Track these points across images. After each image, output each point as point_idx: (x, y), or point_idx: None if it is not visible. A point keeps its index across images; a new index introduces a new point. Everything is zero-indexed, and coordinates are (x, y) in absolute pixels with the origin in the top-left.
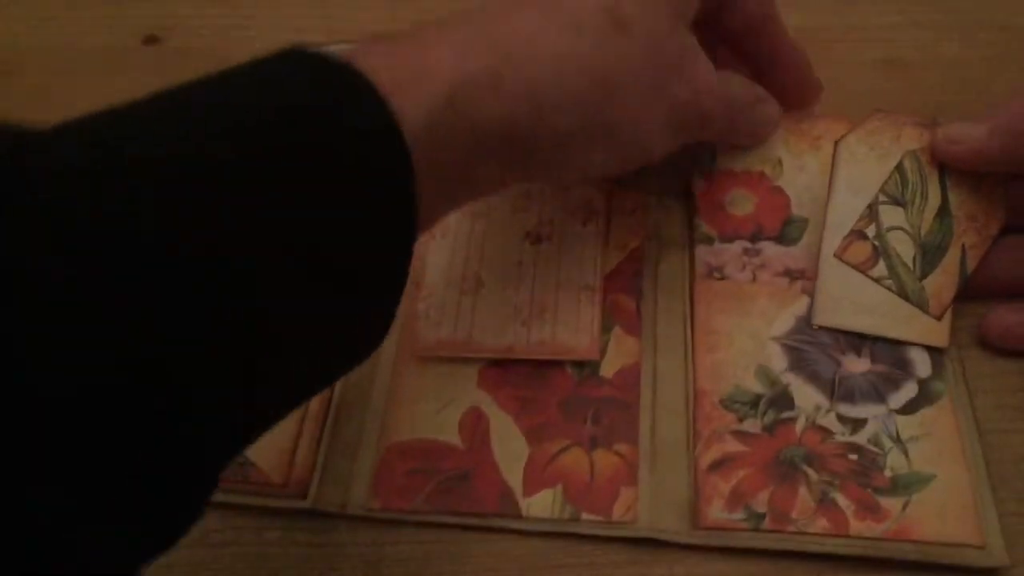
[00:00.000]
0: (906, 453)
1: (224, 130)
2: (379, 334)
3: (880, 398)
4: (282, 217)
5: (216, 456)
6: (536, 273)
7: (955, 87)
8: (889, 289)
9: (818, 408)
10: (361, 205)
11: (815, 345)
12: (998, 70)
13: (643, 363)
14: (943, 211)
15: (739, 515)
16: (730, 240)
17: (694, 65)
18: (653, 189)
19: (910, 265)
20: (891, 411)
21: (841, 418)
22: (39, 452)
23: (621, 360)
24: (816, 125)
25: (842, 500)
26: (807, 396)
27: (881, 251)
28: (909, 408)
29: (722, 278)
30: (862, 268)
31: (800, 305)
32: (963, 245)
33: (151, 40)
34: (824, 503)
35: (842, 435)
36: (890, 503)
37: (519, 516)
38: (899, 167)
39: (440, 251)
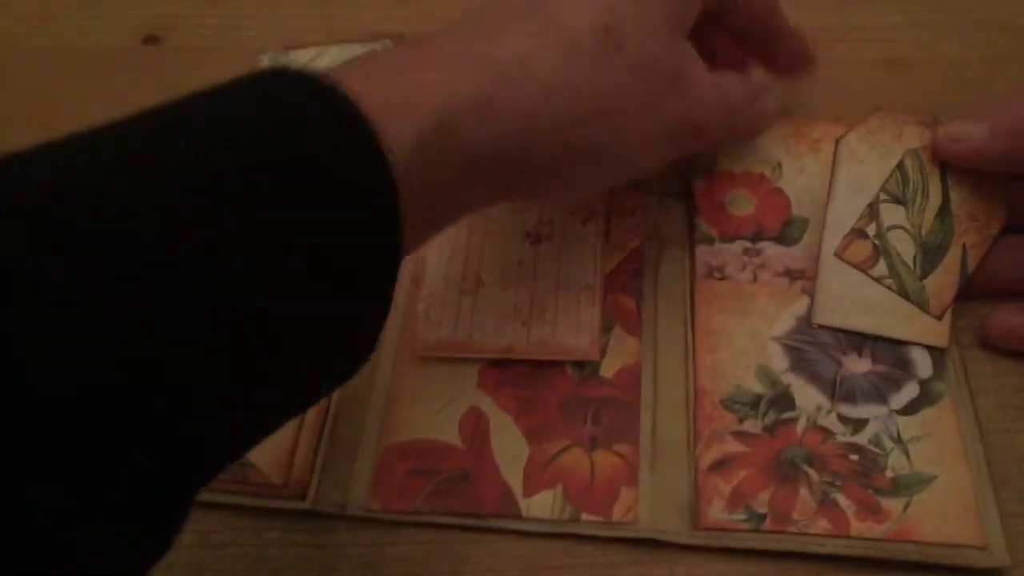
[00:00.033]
0: (907, 454)
1: (223, 141)
2: (367, 348)
3: (881, 398)
4: (274, 227)
5: (216, 457)
6: (536, 273)
7: (955, 87)
8: (889, 288)
9: (819, 408)
10: (344, 229)
11: (816, 345)
12: (998, 70)
13: (643, 363)
14: (944, 210)
15: (740, 515)
16: (731, 240)
17: (690, 80)
18: (653, 189)
19: (910, 264)
20: (892, 411)
21: (842, 418)
22: (39, 452)
23: (621, 360)
24: (816, 127)
25: (843, 501)
26: (808, 396)
27: (882, 250)
28: (910, 408)
29: (722, 278)
30: (862, 267)
31: (800, 305)
32: (964, 244)
33: (151, 40)
34: (825, 504)
35: (843, 435)
36: (891, 504)
37: (519, 516)
38: (900, 165)
39: (440, 251)
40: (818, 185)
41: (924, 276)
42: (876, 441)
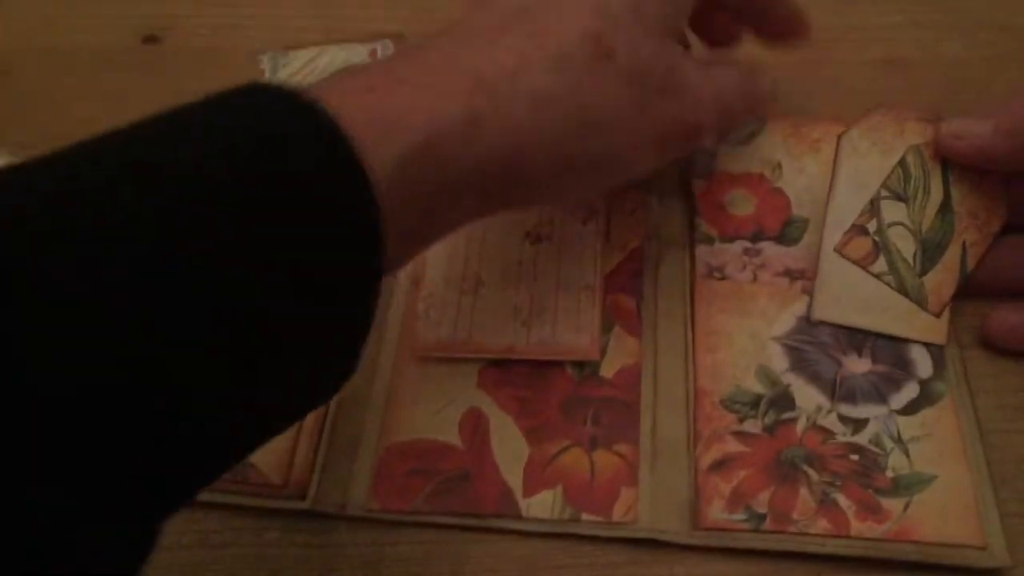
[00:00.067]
0: (907, 453)
1: (220, 151)
2: (351, 363)
3: (881, 398)
4: (261, 238)
5: (216, 458)
6: (536, 273)
7: (956, 87)
8: (889, 285)
9: (819, 408)
10: (324, 244)
11: (816, 345)
12: (998, 70)
13: (643, 363)
14: (945, 207)
15: (740, 516)
16: (731, 240)
17: (682, 82)
18: (653, 189)
19: (910, 261)
20: (892, 411)
21: (842, 418)
22: (39, 452)
23: (621, 360)
24: (816, 128)
25: (843, 501)
26: (808, 396)
27: (882, 247)
28: (910, 408)
29: (723, 278)
30: (863, 263)
31: (801, 305)
32: (964, 242)
33: (150, 40)
34: (825, 504)
35: (843, 435)
36: (891, 504)
37: (519, 517)
38: (902, 162)
39: (440, 251)
40: (818, 185)
41: (923, 273)
42: (876, 441)
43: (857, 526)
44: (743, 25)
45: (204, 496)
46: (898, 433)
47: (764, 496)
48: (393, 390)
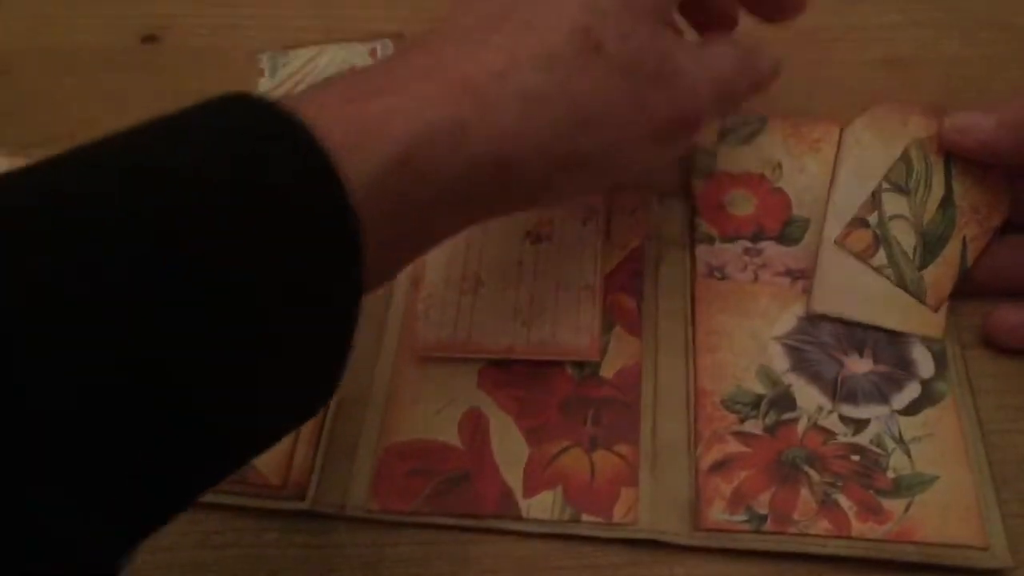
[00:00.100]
0: (909, 454)
1: (202, 161)
2: (337, 370)
3: (883, 399)
4: (256, 244)
5: (217, 458)
6: (536, 273)
7: (956, 86)
8: (888, 279)
9: (820, 409)
10: (303, 255)
11: (817, 345)
12: (999, 69)
13: (644, 363)
14: (947, 201)
15: (740, 516)
16: (731, 240)
17: (677, 70)
18: (653, 189)
19: (910, 254)
20: (894, 412)
21: (843, 419)
22: (39, 452)
23: (622, 360)
24: (816, 127)
25: (844, 501)
26: (809, 397)
27: (882, 239)
28: (912, 409)
29: (723, 278)
30: (863, 256)
31: (802, 305)
32: (964, 237)
33: (150, 39)
34: (826, 504)
35: (844, 436)
36: (892, 504)
37: (519, 517)
38: (904, 155)
39: (440, 251)
40: (819, 185)
41: (923, 267)
42: (877, 441)
43: (858, 527)
44: (737, 2)
45: (204, 497)
46: (899, 433)
47: (765, 497)
48: (393, 390)
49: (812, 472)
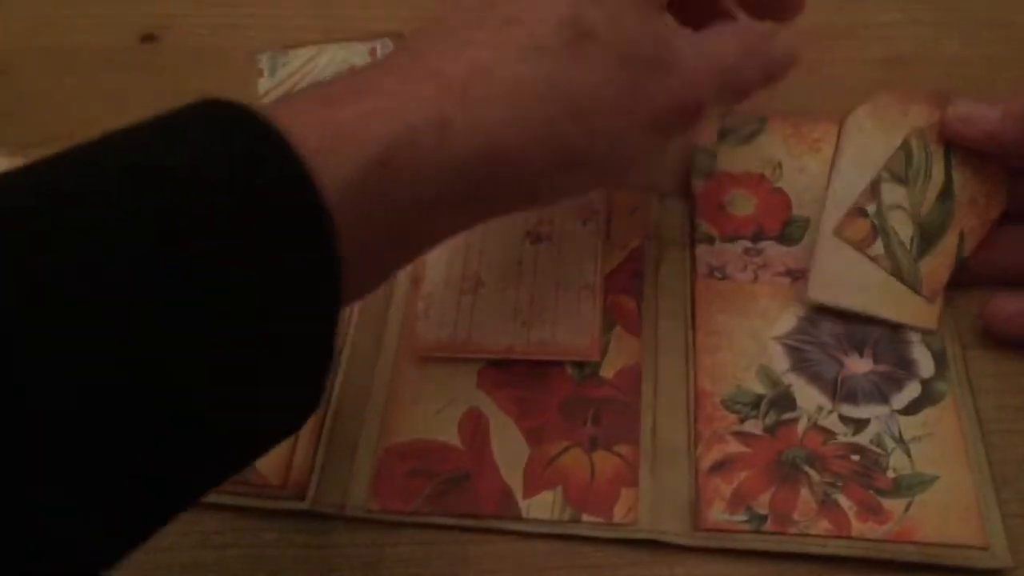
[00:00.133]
0: (909, 454)
1: (212, 155)
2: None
3: (883, 398)
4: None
5: (217, 459)
6: (536, 273)
7: (956, 85)
8: (884, 269)
9: (820, 409)
10: (287, 264)
11: (817, 345)
12: (999, 68)
13: (644, 363)
14: (946, 192)
15: (740, 517)
16: (731, 240)
17: (673, 57)
18: (653, 189)
19: (907, 245)
20: (894, 411)
21: (843, 419)
22: (39, 452)
23: (622, 360)
24: (816, 127)
25: (844, 501)
26: (809, 397)
27: (880, 229)
28: (912, 408)
29: (723, 278)
30: (860, 246)
31: (802, 305)
32: (961, 228)
33: (149, 39)
34: (826, 504)
35: (844, 436)
36: (892, 504)
37: (519, 518)
38: (904, 144)
39: (440, 251)
40: (819, 185)
41: (920, 257)
42: (877, 441)
43: (858, 527)
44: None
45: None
46: (899, 433)
47: (765, 497)
48: (393, 390)
49: (812, 472)
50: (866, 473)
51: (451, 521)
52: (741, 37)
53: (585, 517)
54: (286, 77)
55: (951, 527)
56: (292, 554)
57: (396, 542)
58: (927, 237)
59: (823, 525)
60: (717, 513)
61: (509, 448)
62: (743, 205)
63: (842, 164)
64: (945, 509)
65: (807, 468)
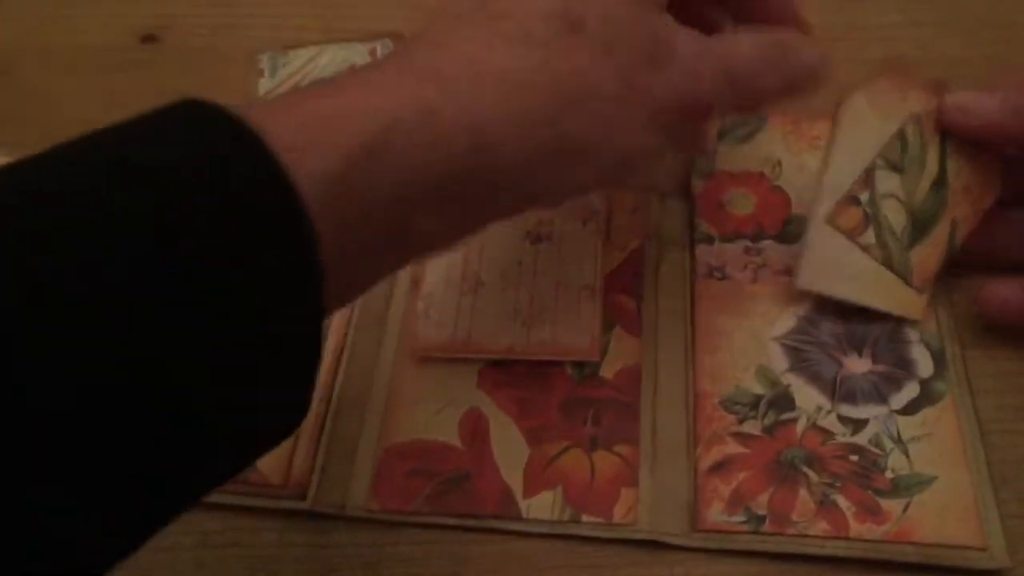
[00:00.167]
0: (907, 454)
1: (193, 154)
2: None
3: (882, 398)
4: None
5: (217, 459)
6: (536, 273)
7: (956, 85)
8: (875, 258)
9: (819, 409)
10: (261, 269)
11: (816, 345)
12: (999, 68)
13: (643, 364)
14: (939, 182)
15: (739, 517)
16: (731, 240)
17: (670, 53)
18: (653, 189)
19: (899, 234)
20: (892, 412)
21: (842, 419)
22: (39, 452)
23: (621, 360)
24: (815, 125)
25: (843, 502)
26: (808, 397)
27: (872, 218)
28: (911, 408)
29: (723, 278)
30: (852, 235)
31: (801, 305)
32: (954, 218)
33: (149, 39)
34: (824, 505)
35: (843, 436)
36: (891, 505)
37: (519, 517)
38: (900, 132)
39: None
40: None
41: (911, 246)
42: (876, 441)
43: (856, 527)
44: (728, 13)
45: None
46: (898, 433)
47: (763, 498)
48: (393, 390)
49: (811, 472)
50: (864, 473)
51: (451, 521)
52: (758, 43)
53: (585, 517)
54: (286, 77)
55: (949, 527)
56: (292, 554)
57: (396, 542)
58: (919, 226)
59: (821, 526)
60: (715, 514)
61: (509, 448)
62: (743, 204)
63: (836, 149)
64: (943, 509)
65: (806, 468)
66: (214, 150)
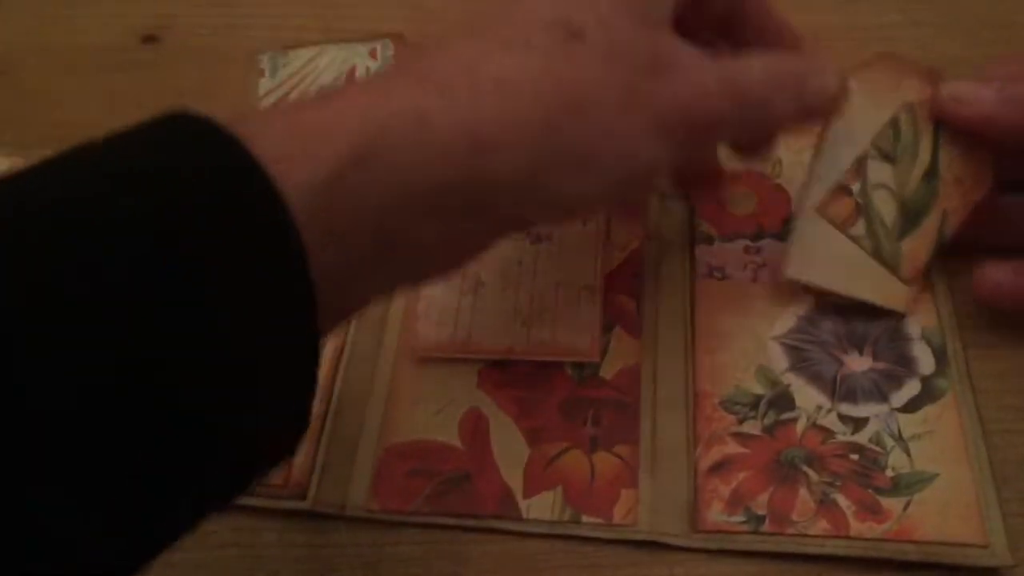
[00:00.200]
0: (908, 452)
1: (185, 161)
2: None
3: (882, 396)
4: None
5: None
6: (536, 273)
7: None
8: (865, 249)
9: (819, 408)
10: (253, 278)
11: (817, 344)
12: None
13: (643, 364)
14: (931, 172)
15: (739, 518)
16: (731, 239)
17: (673, 65)
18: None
19: (889, 225)
20: (893, 410)
21: (842, 418)
22: (39, 452)
23: (621, 361)
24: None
25: (843, 501)
26: (808, 396)
27: (863, 209)
28: (911, 406)
29: (723, 278)
30: (842, 226)
31: (801, 304)
32: (944, 210)
33: (150, 39)
34: (825, 504)
35: (843, 435)
36: (891, 503)
37: (519, 518)
38: (894, 120)
39: None
40: None
41: (901, 238)
42: (877, 440)
43: (857, 526)
44: (726, 39)
45: None
46: (899, 431)
47: (763, 497)
48: (393, 390)
49: (811, 472)
50: (865, 472)
51: (451, 521)
52: (770, 67)
53: (585, 518)
54: (287, 77)
55: (951, 525)
56: (292, 554)
57: (396, 542)
58: (909, 217)
59: (821, 525)
60: (715, 514)
61: (509, 448)
62: (744, 203)
63: (828, 139)
64: (945, 507)
65: (806, 468)
66: (202, 161)
